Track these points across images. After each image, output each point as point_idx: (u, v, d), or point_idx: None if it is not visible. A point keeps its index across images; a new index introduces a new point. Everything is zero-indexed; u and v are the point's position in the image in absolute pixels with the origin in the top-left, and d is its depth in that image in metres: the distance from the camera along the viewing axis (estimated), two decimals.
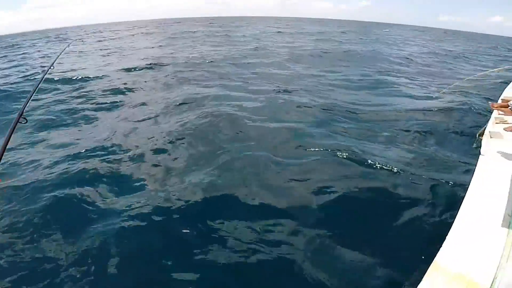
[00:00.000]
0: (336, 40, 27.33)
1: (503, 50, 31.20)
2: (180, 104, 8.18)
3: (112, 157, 5.42)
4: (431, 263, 2.16)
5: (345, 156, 5.07)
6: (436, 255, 2.19)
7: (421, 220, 3.78)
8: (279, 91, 9.22)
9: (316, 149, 5.37)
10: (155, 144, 5.85)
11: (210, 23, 57.33)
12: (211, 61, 14.71)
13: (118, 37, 34.14)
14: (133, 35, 36.25)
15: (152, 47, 22.23)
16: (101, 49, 22.21)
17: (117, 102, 8.79)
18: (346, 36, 33.20)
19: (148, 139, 6.11)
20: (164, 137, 6.12)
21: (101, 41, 30.08)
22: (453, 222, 2.58)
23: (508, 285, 1.93)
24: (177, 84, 10.53)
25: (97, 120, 7.49)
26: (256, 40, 25.67)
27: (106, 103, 8.71)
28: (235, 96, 8.72)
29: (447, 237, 2.37)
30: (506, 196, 2.90)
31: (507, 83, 7.39)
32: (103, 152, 5.57)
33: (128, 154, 5.53)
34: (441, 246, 2.28)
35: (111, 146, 5.83)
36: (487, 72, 9.02)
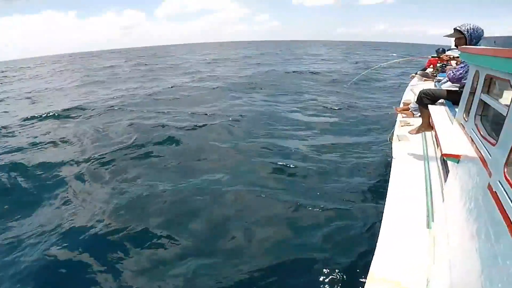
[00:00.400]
0: (269, 63, 27.65)
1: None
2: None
3: None
4: (366, 272, 2.11)
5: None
6: (370, 264, 2.15)
7: (349, 228, 3.84)
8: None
9: None
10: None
11: (128, 55, 55.33)
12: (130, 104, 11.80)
13: (25, 77, 29.51)
14: (41, 73, 32.23)
15: (64, 88, 18.55)
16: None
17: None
18: (276, 57, 34.47)
19: None
20: None
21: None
22: (379, 228, 2.58)
23: (438, 285, 1.92)
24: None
25: None
26: (184, 71, 24.18)
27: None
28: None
29: (377, 244, 2.34)
30: (421, 197, 3.05)
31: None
32: None
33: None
34: (373, 254, 2.24)
35: None
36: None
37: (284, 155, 6.00)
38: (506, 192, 1.30)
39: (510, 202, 1.26)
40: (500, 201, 1.34)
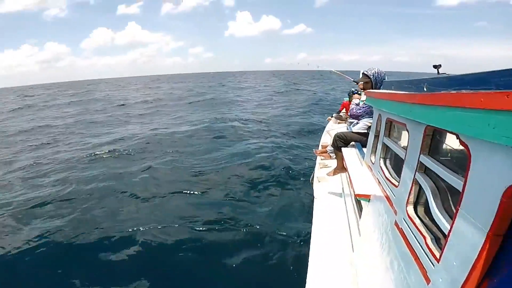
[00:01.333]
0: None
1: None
2: None
3: None
4: None
5: None
6: None
7: (278, 264, 3.84)
8: None
9: None
10: None
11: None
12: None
13: None
14: None
15: None
16: None
17: None
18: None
19: None
20: None
21: None
22: (307, 263, 2.66)
23: None
24: None
25: None
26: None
27: None
28: None
29: (307, 280, 2.40)
30: (341, 233, 3.18)
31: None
32: None
33: None
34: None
35: None
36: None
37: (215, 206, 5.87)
38: (410, 229, 1.40)
39: (414, 237, 1.35)
40: (406, 236, 1.44)
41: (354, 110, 3.88)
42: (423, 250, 1.23)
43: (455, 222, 1.02)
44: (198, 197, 5.94)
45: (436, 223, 1.22)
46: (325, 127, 7.94)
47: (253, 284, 3.58)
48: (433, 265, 1.13)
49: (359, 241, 2.55)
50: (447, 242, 1.05)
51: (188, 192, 6.10)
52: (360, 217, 2.71)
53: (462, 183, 1.01)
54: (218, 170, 7.53)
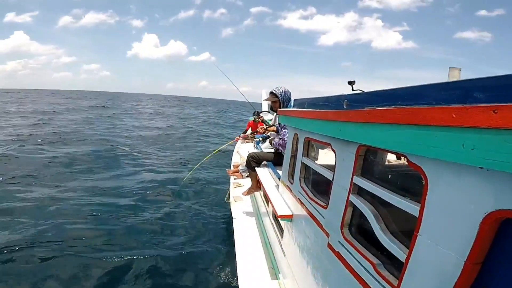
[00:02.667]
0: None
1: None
2: None
3: None
4: None
5: None
6: None
7: None
8: None
9: None
10: None
11: None
12: None
13: None
14: None
15: None
16: None
17: None
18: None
19: None
20: None
21: None
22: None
23: None
24: None
25: None
26: None
27: None
28: None
29: None
30: (264, 253, 3.05)
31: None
32: None
33: None
34: None
35: None
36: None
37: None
38: (350, 252, 1.30)
39: (357, 262, 1.24)
40: (345, 260, 1.33)
41: (283, 141, 3.59)
42: (373, 276, 1.12)
43: (414, 248, 0.92)
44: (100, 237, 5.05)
45: (379, 247, 1.13)
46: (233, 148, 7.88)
47: None
48: None
49: (285, 262, 2.44)
50: (406, 270, 0.94)
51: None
52: (282, 237, 2.60)
53: (418, 208, 0.92)
54: (118, 196, 6.65)
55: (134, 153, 11.34)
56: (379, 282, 1.09)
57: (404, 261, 0.96)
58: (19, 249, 4.17)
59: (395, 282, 1.01)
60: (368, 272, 1.16)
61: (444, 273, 0.80)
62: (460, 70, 2.05)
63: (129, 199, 6.46)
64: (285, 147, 3.71)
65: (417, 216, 0.92)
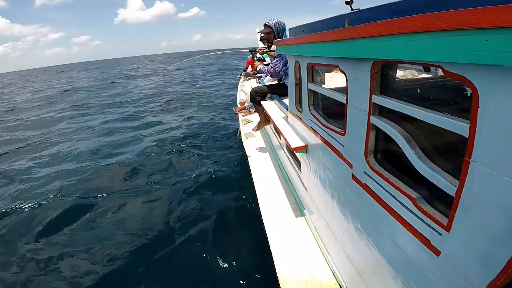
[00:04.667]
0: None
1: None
2: None
3: None
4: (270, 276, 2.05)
5: None
6: (275, 270, 2.03)
7: (234, 233, 3.52)
8: None
9: None
10: None
11: None
12: None
13: None
14: None
15: None
16: None
17: None
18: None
19: None
20: None
21: None
22: (263, 226, 2.49)
23: (341, 267, 1.83)
24: None
25: None
26: None
27: None
28: None
29: (270, 246, 2.22)
30: (285, 189, 2.97)
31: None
32: None
33: None
34: (271, 258, 2.14)
35: None
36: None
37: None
38: (380, 185, 1.12)
39: (384, 190, 1.07)
40: (376, 194, 1.16)
41: (276, 67, 3.41)
42: (413, 213, 0.94)
43: (467, 179, 0.71)
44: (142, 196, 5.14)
45: (416, 176, 0.93)
46: (237, 86, 7.54)
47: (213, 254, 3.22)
48: (440, 234, 0.83)
49: (308, 197, 2.33)
50: (459, 206, 0.75)
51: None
52: (300, 170, 2.46)
53: (468, 126, 0.69)
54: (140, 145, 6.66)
55: None
56: (422, 220, 0.90)
57: (454, 195, 0.76)
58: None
59: (443, 220, 0.82)
60: (407, 208, 0.97)
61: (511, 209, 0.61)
62: None
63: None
64: (275, 75, 3.49)
65: (467, 137, 0.70)
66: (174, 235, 3.57)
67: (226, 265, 3.04)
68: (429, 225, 0.88)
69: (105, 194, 4.70)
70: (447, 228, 0.80)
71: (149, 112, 10.85)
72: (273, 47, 5.17)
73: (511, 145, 0.60)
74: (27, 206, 4.58)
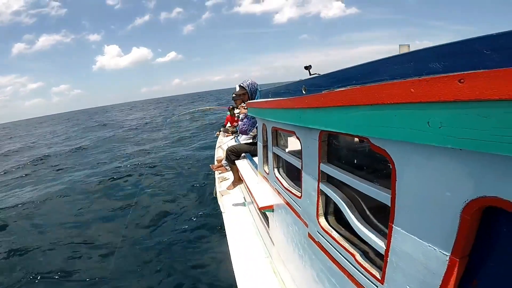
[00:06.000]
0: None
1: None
2: None
3: None
4: None
5: None
6: None
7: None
8: None
9: None
10: None
11: None
12: None
13: None
14: None
15: None
16: None
17: None
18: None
19: None
20: None
21: None
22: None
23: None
24: None
25: None
26: None
27: None
28: None
29: None
30: (256, 242, 2.93)
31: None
32: None
33: None
34: None
35: None
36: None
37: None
38: (329, 243, 1.15)
39: (338, 253, 1.10)
40: (327, 251, 1.18)
41: (241, 127, 3.64)
42: (356, 268, 0.98)
43: (392, 240, 0.77)
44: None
45: (359, 236, 0.98)
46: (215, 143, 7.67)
47: None
48: (376, 286, 0.88)
49: (274, 250, 2.31)
50: (388, 263, 0.80)
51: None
52: (268, 226, 2.46)
53: (389, 196, 0.77)
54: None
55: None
56: (362, 274, 0.95)
57: (383, 254, 0.82)
58: None
59: (378, 274, 0.87)
60: (350, 263, 1.02)
61: (429, 268, 0.66)
62: (409, 46, 1.92)
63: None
64: (242, 132, 3.69)
65: (389, 205, 0.77)
66: None
67: None
68: (367, 279, 0.92)
69: None
70: (381, 281, 0.84)
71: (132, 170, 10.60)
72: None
73: (422, 212, 0.67)
74: None
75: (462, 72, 0.47)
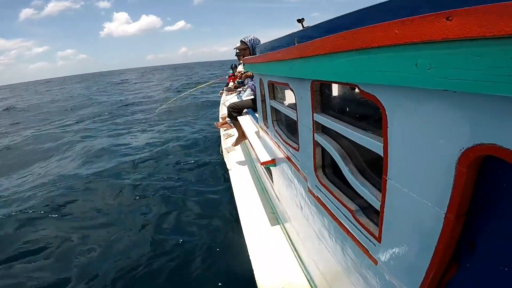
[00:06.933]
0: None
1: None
2: None
3: None
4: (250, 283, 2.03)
5: None
6: (254, 277, 2.03)
7: (215, 241, 3.43)
8: None
9: None
10: None
11: None
12: None
13: None
14: None
15: None
16: None
17: None
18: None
19: None
20: None
21: None
22: (242, 235, 2.51)
23: (312, 272, 1.81)
24: None
25: None
26: None
27: None
28: None
29: (250, 256, 2.23)
30: (262, 199, 2.97)
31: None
32: None
33: None
34: (249, 265, 2.15)
35: None
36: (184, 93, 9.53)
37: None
38: (328, 198, 1.13)
39: (336, 208, 1.09)
40: (326, 206, 1.17)
41: (254, 86, 3.44)
42: (354, 225, 0.95)
43: (386, 195, 0.73)
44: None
45: (354, 190, 0.94)
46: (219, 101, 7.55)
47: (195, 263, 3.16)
48: (374, 245, 0.85)
49: (280, 206, 2.35)
50: (384, 220, 0.76)
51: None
52: (272, 182, 2.48)
53: (381, 145, 0.71)
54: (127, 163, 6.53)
55: None
56: (360, 231, 0.92)
57: (379, 209, 0.78)
58: None
59: (375, 231, 0.84)
60: (348, 219, 0.99)
61: (424, 226, 0.62)
62: None
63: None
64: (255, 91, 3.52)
65: (382, 156, 0.72)
66: (156, 247, 3.48)
67: (207, 273, 2.99)
68: (365, 236, 0.89)
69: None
70: (379, 239, 0.81)
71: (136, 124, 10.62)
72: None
73: (416, 162, 0.61)
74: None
75: (450, 10, 0.40)
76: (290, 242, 2.25)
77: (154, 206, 4.44)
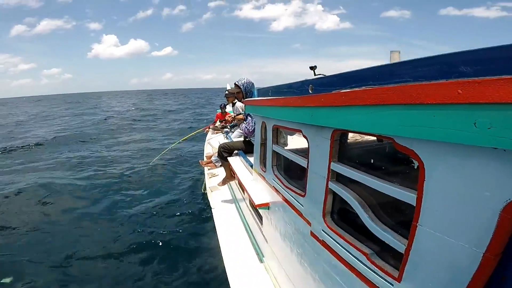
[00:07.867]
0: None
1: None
2: None
3: None
4: None
5: None
6: None
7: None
8: None
9: None
10: None
11: None
12: None
13: None
14: None
15: None
16: None
17: None
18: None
19: None
20: None
21: None
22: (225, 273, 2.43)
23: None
24: None
25: None
26: None
27: None
28: None
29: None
30: (246, 239, 2.88)
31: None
32: None
33: None
34: None
35: None
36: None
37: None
38: (336, 242, 1.14)
39: (342, 248, 1.09)
40: (331, 248, 1.17)
41: (250, 127, 3.45)
42: (367, 267, 0.97)
43: (415, 239, 0.76)
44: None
45: (368, 234, 0.97)
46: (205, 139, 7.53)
47: None
48: (392, 285, 0.86)
49: (268, 247, 2.28)
50: (408, 261, 0.79)
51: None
52: (261, 224, 2.43)
53: (415, 196, 0.75)
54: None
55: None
56: (375, 273, 0.94)
57: (403, 252, 0.81)
58: None
59: (394, 273, 0.86)
60: (361, 262, 1.00)
61: (457, 265, 0.66)
62: (399, 52, 1.95)
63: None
64: (250, 134, 3.54)
65: (414, 205, 0.76)
66: None
67: None
68: (381, 277, 0.91)
69: None
70: (398, 279, 0.83)
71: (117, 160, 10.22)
72: (240, 110, 5.36)
73: (454, 211, 0.66)
74: None
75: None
76: (275, 283, 2.14)
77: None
